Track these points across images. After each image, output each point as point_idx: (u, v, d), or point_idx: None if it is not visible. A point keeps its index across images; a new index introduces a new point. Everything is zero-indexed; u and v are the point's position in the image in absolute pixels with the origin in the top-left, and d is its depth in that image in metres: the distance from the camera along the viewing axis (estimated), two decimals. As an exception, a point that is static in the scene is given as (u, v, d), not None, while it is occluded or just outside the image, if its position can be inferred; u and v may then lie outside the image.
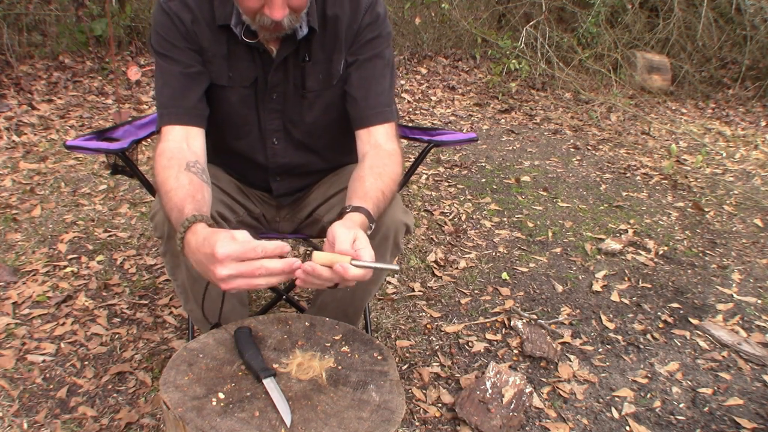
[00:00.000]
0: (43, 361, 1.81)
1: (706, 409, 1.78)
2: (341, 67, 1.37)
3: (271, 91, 1.38)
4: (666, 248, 2.79)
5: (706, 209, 3.29)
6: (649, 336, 2.12)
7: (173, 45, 1.31)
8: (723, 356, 2.03)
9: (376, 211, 1.16)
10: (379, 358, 1.12)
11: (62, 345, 1.89)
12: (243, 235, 0.97)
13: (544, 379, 1.87)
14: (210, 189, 1.24)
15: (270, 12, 1.18)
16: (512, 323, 2.11)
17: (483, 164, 3.76)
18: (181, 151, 1.25)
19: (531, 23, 5.74)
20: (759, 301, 2.39)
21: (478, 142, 4.19)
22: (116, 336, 1.95)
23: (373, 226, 1.15)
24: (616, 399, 1.81)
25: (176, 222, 1.10)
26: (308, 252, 2.54)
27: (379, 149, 1.33)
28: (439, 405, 1.73)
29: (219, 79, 1.35)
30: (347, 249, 0.99)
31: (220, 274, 0.94)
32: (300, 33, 1.30)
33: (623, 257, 2.68)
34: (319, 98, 1.40)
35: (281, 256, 0.96)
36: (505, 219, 2.99)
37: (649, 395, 1.83)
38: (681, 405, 1.80)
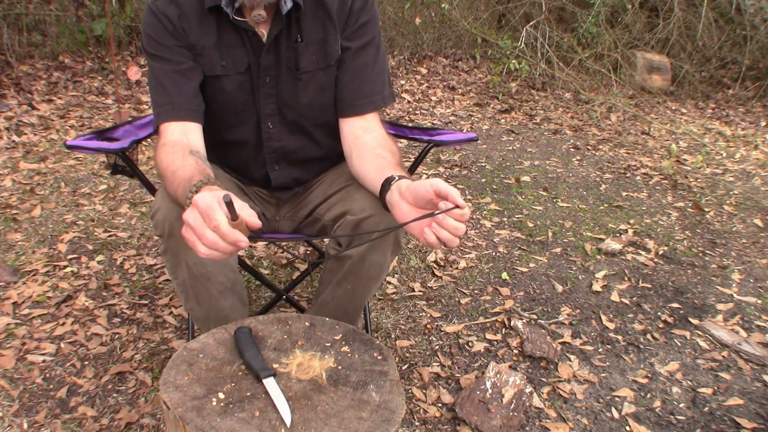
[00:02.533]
0: (43, 361, 1.81)
1: (706, 409, 1.78)
2: (339, 48, 1.38)
3: (264, 75, 1.39)
4: (666, 248, 2.79)
5: (706, 209, 3.29)
6: (649, 336, 2.12)
7: (162, 44, 1.32)
8: (723, 356, 2.03)
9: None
10: (379, 358, 1.12)
11: (62, 345, 1.89)
12: (233, 200, 0.94)
13: (544, 379, 1.87)
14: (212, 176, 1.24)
15: None
16: (512, 323, 2.11)
17: (483, 164, 3.76)
18: (183, 143, 1.27)
19: (531, 23, 5.73)
20: (759, 301, 2.39)
21: (478, 142, 4.19)
22: (116, 336, 1.95)
23: None
24: (616, 399, 1.81)
25: (186, 189, 1.08)
26: (308, 252, 2.54)
27: (372, 134, 1.37)
28: (439, 405, 1.73)
29: (213, 70, 1.36)
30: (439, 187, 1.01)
31: (185, 216, 0.95)
32: (284, 7, 1.31)
33: (623, 257, 2.68)
34: (313, 79, 1.41)
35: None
36: (505, 219, 2.99)
37: (649, 395, 1.83)
38: (681, 405, 1.80)
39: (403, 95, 5.08)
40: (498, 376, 1.72)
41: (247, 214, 0.96)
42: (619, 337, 2.10)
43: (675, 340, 2.11)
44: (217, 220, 0.92)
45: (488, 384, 1.69)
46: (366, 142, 1.36)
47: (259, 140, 1.47)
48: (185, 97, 1.33)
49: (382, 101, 1.41)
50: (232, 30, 1.33)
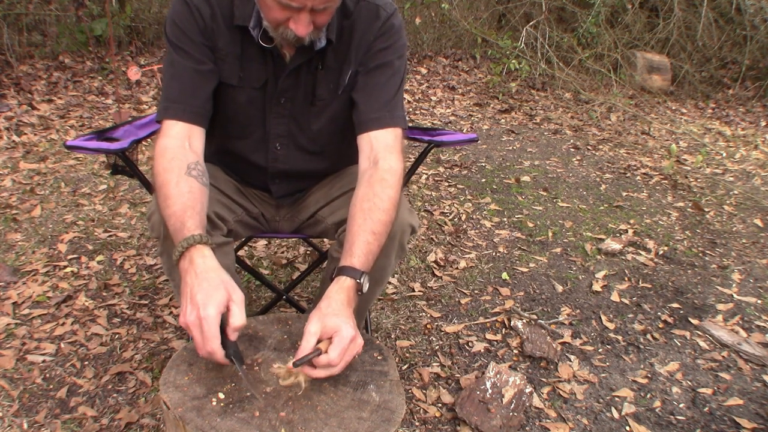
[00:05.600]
0: (43, 361, 1.81)
1: (706, 409, 1.78)
2: (347, 78, 1.37)
3: (280, 96, 1.38)
4: (666, 248, 2.79)
5: (706, 209, 3.29)
6: (649, 336, 2.12)
7: (190, 39, 1.29)
8: (723, 356, 2.03)
9: (365, 260, 1.16)
10: (379, 358, 1.12)
11: (62, 345, 1.89)
12: (237, 312, 1.02)
13: (544, 379, 1.87)
14: (208, 191, 1.24)
15: (295, 27, 1.18)
16: (512, 323, 2.11)
17: (483, 164, 3.76)
18: (183, 151, 1.25)
19: (531, 23, 5.74)
20: (759, 301, 2.39)
21: (478, 142, 4.19)
22: (116, 336, 1.95)
23: (363, 281, 1.14)
24: (616, 399, 1.81)
25: (176, 232, 1.13)
26: (308, 252, 2.54)
27: (374, 168, 1.28)
28: (439, 405, 1.73)
29: (229, 79, 1.34)
30: (306, 348, 1.03)
31: (187, 314, 1.01)
32: (318, 45, 1.30)
33: (623, 257, 2.67)
34: (327, 107, 1.40)
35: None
36: (505, 219, 2.99)
37: (649, 395, 1.83)
38: (681, 405, 1.80)
39: (404, 95, 5.08)
40: (498, 376, 1.72)
41: (236, 323, 1.02)
42: (619, 337, 2.10)
43: (675, 340, 2.11)
44: (213, 349, 0.99)
45: (488, 384, 1.69)
46: (363, 183, 1.27)
47: (263, 157, 1.47)
48: (199, 100, 1.31)
49: (391, 120, 1.34)
50: (256, 45, 1.31)
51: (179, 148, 1.25)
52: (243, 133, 1.44)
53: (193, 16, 1.29)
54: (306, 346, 1.02)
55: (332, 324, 1.04)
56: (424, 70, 5.72)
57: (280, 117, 1.41)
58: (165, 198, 1.17)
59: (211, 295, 1.00)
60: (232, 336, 1.01)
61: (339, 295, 1.10)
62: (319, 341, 1.03)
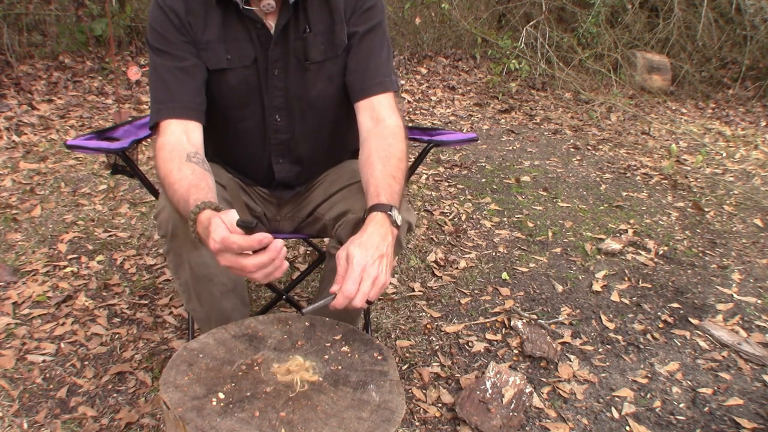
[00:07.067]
0: (43, 361, 1.81)
1: (706, 409, 1.78)
2: (345, 37, 1.38)
3: (273, 67, 1.38)
4: (666, 248, 2.79)
5: (706, 209, 3.29)
6: (649, 336, 2.12)
7: (167, 39, 1.31)
8: (723, 356, 2.03)
9: (390, 198, 1.19)
10: (379, 358, 1.12)
11: (62, 345, 1.89)
12: (230, 219, 1.00)
13: (544, 379, 1.87)
14: (212, 178, 1.25)
15: None
16: (512, 323, 2.11)
17: (483, 164, 3.76)
18: (181, 144, 1.26)
19: (531, 23, 5.74)
20: (759, 301, 2.39)
21: (478, 142, 4.19)
22: (116, 336, 1.95)
23: (394, 213, 1.17)
24: (616, 399, 1.81)
25: (184, 213, 1.13)
26: (308, 252, 2.54)
27: (381, 125, 1.34)
28: (439, 405, 1.73)
29: (218, 63, 1.35)
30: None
31: (222, 264, 1.01)
32: None
33: (623, 257, 2.68)
34: (321, 69, 1.40)
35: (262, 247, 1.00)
36: (505, 219, 2.99)
37: (649, 395, 1.83)
38: (681, 405, 1.80)
39: (403, 95, 5.08)
40: (498, 376, 1.72)
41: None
42: (619, 337, 2.10)
43: (675, 340, 2.11)
44: (235, 242, 0.98)
45: (488, 384, 1.69)
46: (372, 137, 1.33)
47: (264, 134, 1.46)
48: (187, 95, 1.32)
49: (390, 84, 1.39)
50: (238, 23, 1.33)
51: (177, 143, 1.27)
52: (242, 115, 1.44)
53: (168, 17, 1.31)
54: (340, 272, 1.08)
55: (351, 251, 1.06)
56: (424, 70, 5.72)
57: (276, 90, 1.41)
58: (170, 186, 1.18)
59: (213, 230, 1.01)
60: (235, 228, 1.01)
61: (375, 228, 1.13)
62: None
